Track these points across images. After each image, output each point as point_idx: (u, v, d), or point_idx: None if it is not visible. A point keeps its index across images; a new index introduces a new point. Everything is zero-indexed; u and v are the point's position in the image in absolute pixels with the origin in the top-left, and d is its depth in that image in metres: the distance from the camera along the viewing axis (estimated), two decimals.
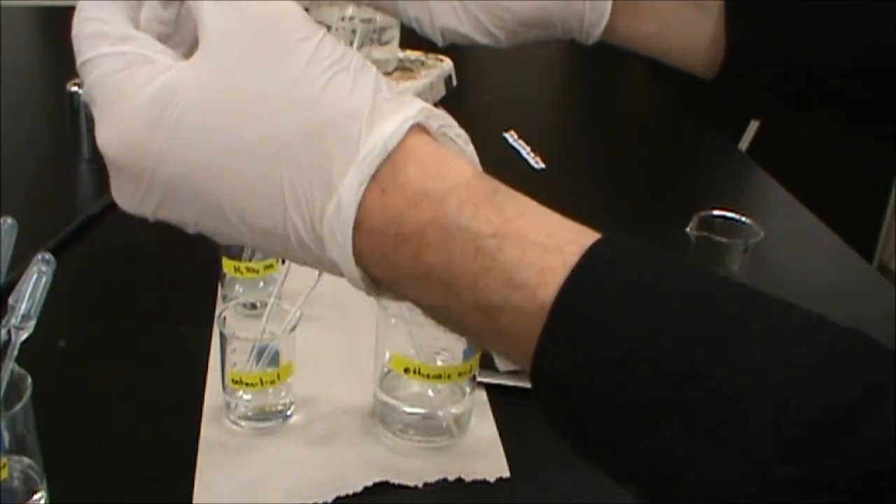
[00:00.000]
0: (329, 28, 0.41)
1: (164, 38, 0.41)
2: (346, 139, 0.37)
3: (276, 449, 0.68)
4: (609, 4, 0.66)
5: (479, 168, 0.40)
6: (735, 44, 0.67)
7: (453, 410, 0.71)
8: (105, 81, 0.39)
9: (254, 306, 0.77)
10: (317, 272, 0.70)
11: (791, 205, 1.12)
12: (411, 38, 1.04)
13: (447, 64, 1.34)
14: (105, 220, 0.97)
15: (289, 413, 0.71)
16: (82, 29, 0.40)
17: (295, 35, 0.38)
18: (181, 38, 0.42)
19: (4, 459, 0.56)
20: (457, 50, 1.20)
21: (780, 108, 0.76)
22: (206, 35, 0.39)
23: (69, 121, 1.09)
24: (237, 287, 0.83)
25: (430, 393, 0.71)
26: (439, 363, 0.69)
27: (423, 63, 1.33)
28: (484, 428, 0.72)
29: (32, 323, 0.58)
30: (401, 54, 1.31)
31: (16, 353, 0.57)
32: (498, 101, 1.39)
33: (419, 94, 1.14)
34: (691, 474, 0.35)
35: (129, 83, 0.39)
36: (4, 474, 0.56)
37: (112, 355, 0.78)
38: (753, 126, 2.13)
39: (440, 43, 0.71)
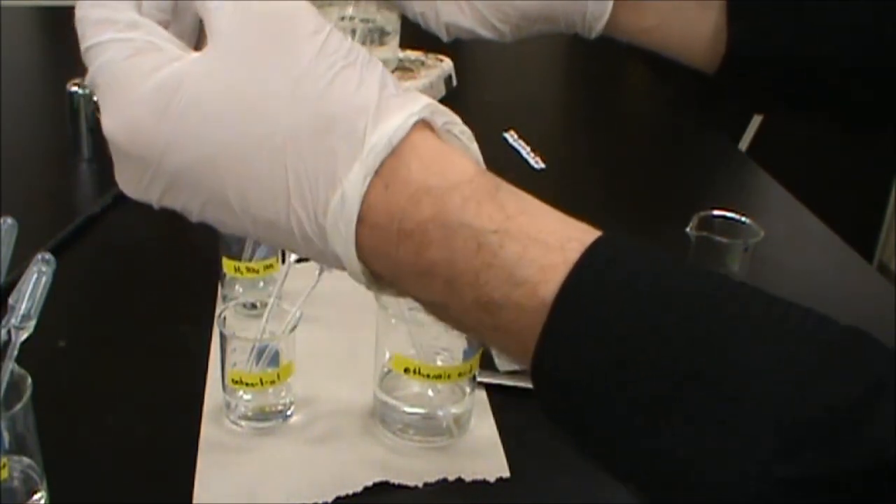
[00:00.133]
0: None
1: (163, 26, 0.41)
2: (352, 134, 0.37)
3: (276, 449, 0.68)
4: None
5: (483, 165, 0.40)
6: (735, 43, 0.67)
7: (453, 410, 0.71)
8: (111, 68, 0.39)
9: (254, 306, 0.77)
10: (317, 272, 0.70)
11: (791, 205, 1.12)
12: (411, 38, 1.05)
13: (447, 64, 1.34)
14: (105, 220, 0.97)
15: (289, 413, 0.71)
16: (88, 14, 0.40)
17: (302, 30, 0.38)
18: (180, 27, 0.42)
19: (4, 459, 0.56)
20: (457, 50, 1.20)
21: (781, 106, 0.76)
22: (214, 28, 0.39)
23: (69, 121, 1.09)
24: (237, 287, 0.83)
25: (430, 393, 0.71)
26: (439, 363, 0.69)
27: (423, 63, 1.33)
28: (484, 428, 0.72)
29: (32, 323, 0.57)
30: (401, 54, 1.31)
31: (16, 353, 0.57)
32: (498, 101, 1.39)
33: None
34: (691, 473, 0.35)
35: (136, 70, 0.39)
36: (4, 474, 0.56)
37: (112, 355, 0.78)
38: (753, 126, 2.13)
39: (445, 38, 0.71)
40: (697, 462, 0.34)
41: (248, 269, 0.81)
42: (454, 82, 1.35)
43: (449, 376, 0.69)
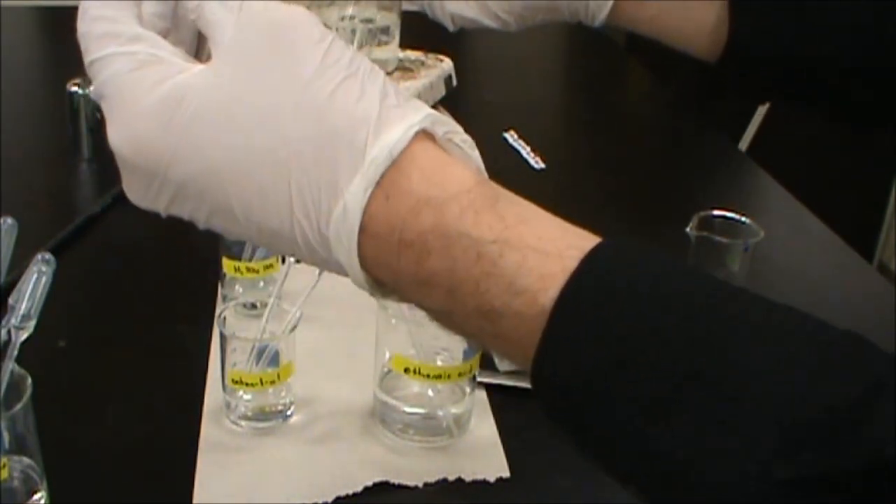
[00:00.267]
0: (328, 28, 0.41)
1: (163, 34, 0.41)
2: (353, 146, 0.38)
3: (276, 449, 0.68)
4: None
5: (484, 174, 0.40)
6: (737, 33, 0.68)
7: (453, 410, 0.71)
8: (116, 81, 0.40)
9: (254, 306, 0.77)
10: (317, 272, 0.70)
11: (791, 205, 1.12)
12: (411, 38, 1.05)
13: (447, 64, 1.34)
14: (105, 220, 0.97)
15: (289, 413, 0.71)
16: (91, 28, 0.40)
17: (304, 41, 0.39)
18: (179, 35, 0.42)
19: (4, 459, 0.56)
20: (457, 50, 1.20)
21: (781, 96, 0.77)
22: (216, 41, 0.39)
23: (69, 121, 1.09)
24: (237, 287, 0.83)
25: (430, 393, 0.71)
26: (439, 363, 0.69)
27: (423, 63, 1.33)
28: (484, 428, 0.72)
29: (32, 323, 0.57)
30: (401, 54, 1.31)
31: (16, 353, 0.57)
32: (498, 101, 1.39)
33: (419, 95, 1.14)
34: (691, 474, 0.35)
35: (140, 84, 0.39)
36: (4, 474, 0.56)
37: (112, 355, 0.78)
38: (753, 126, 2.13)
39: (451, 28, 0.72)
40: (697, 462, 0.34)
41: (248, 269, 0.81)
42: (454, 82, 1.34)
43: (449, 376, 0.69)
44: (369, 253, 0.39)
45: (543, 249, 0.37)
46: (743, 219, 0.87)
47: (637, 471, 0.38)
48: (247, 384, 0.69)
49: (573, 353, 0.36)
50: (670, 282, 0.37)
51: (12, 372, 0.57)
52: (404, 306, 0.68)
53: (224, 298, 0.83)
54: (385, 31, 1.22)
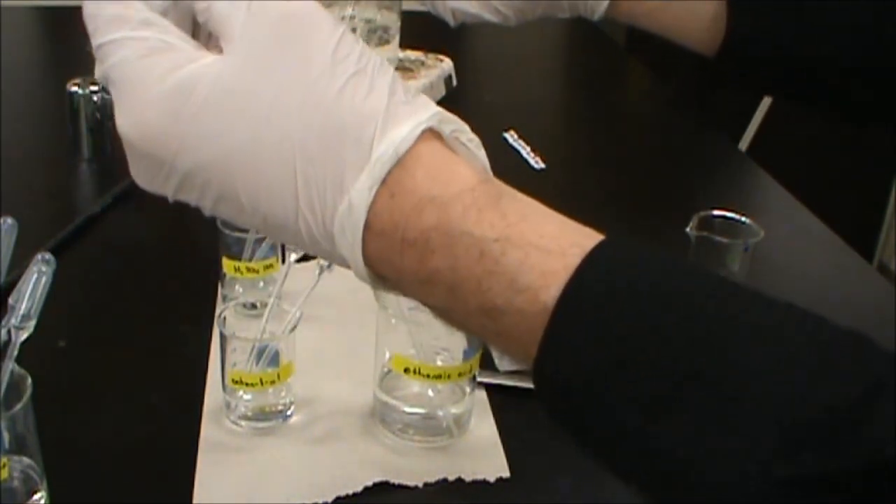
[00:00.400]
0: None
1: (162, 15, 0.41)
2: (360, 142, 0.38)
3: (276, 449, 0.68)
4: None
5: (489, 173, 0.41)
6: (735, 26, 0.68)
7: (453, 410, 0.71)
8: (125, 67, 0.39)
9: (254, 306, 0.77)
10: (317, 272, 0.71)
11: (791, 205, 1.12)
12: (411, 38, 1.05)
13: (447, 64, 1.34)
14: (105, 220, 0.97)
15: (289, 413, 0.71)
16: (100, 10, 0.40)
17: (316, 35, 0.39)
18: (176, 15, 0.42)
19: (4, 459, 0.56)
20: (457, 50, 1.20)
21: (780, 88, 0.77)
22: (227, 34, 0.39)
23: (69, 121, 1.09)
24: (237, 287, 0.83)
25: (430, 393, 0.71)
26: (439, 363, 0.69)
27: (423, 63, 1.33)
28: (484, 428, 0.72)
29: (32, 323, 0.57)
30: (401, 54, 1.31)
31: (16, 353, 0.57)
32: (498, 101, 1.39)
33: None
34: (691, 474, 0.35)
35: (151, 71, 0.39)
36: (4, 474, 0.56)
37: (112, 355, 0.78)
38: (753, 126, 2.13)
39: (452, 23, 0.72)
40: (697, 462, 0.34)
41: (248, 269, 0.81)
42: (454, 82, 1.35)
43: (449, 376, 0.69)
44: (373, 250, 0.39)
45: (545, 247, 0.37)
46: (743, 219, 0.87)
47: (637, 469, 0.38)
48: (247, 384, 0.69)
49: (575, 350, 0.37)
50: (671, 280, 0.37)
51: (12, 372, 0.57)
52: (404, 306, 0.68)
53: (224, 298, 0.83)
54: (385, 30, 1.22)
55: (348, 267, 0.40)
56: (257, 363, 0.68)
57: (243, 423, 0.70)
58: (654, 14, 0.71)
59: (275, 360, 0.69)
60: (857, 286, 0.97)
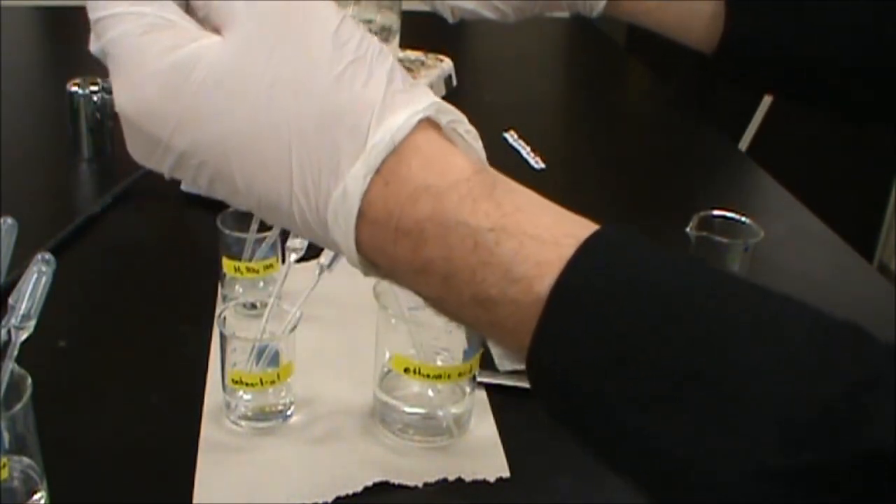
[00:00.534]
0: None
1: None
2: (357, 130, 0.38)
3: (276, 449, 0.68)
4: None
5: (485, 164, 0.40)
6: (733, 23, 0.68)
7: (453, 410, 0.71)
8: (125, 41, 0.39)
9: (254, 306, 0.77)
10: (317, 272, 0.71)
11: (791, 205, 1.12)
12: (411, 37, 1.05)
13: (447, 64, 1.34)
14: (105, 220, 0.97)
15: (289, 413, 0.71)
16: None
17: (316, 19, 0.39)
18: None
19: (4, 459, 0.56)
20: (457, 50, 1.20)
21: (779, 87, 0.77)
22: (227, 17, 0.39)
23: (69, 121, 1.09)
24: (237, 287, 0.83)
25: (430, 393, 0.71)
26: (439, 363, 0.69)
27: (423, 63, 1.33)
28: (484, 428, 0.72)
29: (32, 323, 0.57)
30: (401, 54, 1.31)
31: (16, 353, 0.57)
32: (498, 101, 1.39)
33: None
34: (691, 473, 0.35)
35: (152, 47, 0.39)
36: (4, 474, 0.56)
37: (112, 355, 0.78)
38: (753, 126, 2.13)
39: (450, 19, 0.72)
40: (697, 461, 0.34)
41: (248, 269, 0.81)
42: (454, 82, 1.35)
43: (449, 376, 0.69)
44: (366, 238, 0.39)
45: (540, 237, 0.37)
46: (743, 219, 0.87)
47: (636, 468, 0.38)
48: (247, 384, 0.69)
49: (568, 341, 0.36)
50: (666, 274, 0.37)
51: (12, 372, 0.57)
52: (404, 306, 0.68)
53: (224, 298, 0.83)
54: (385, 30, 1.22)
55: (342, 252, 0.40)
56: (257, 363, 0.68)
57: (243, 423, 0.70)
58: (653, 12, 0.71)
59: (275, 360, 0.69)
60: (857, 286, 0.97)
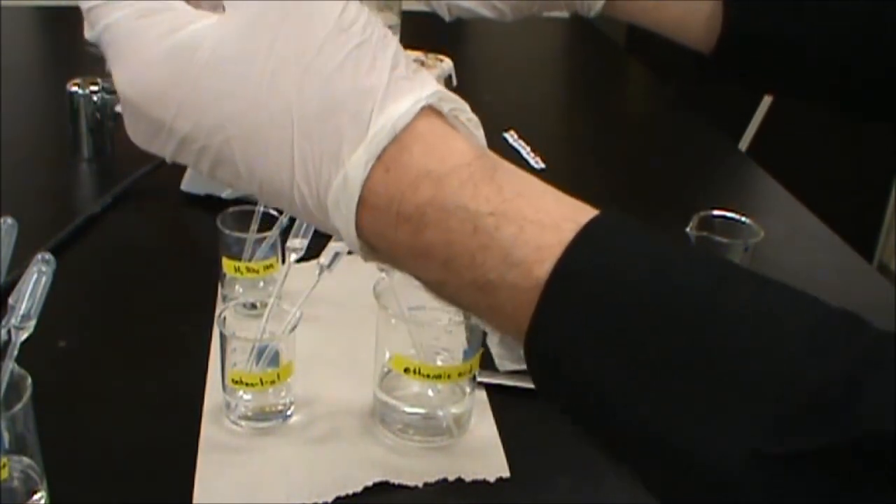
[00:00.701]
0: None
1: None
2: (359, 117, 0.38)
3: (276, 449, 0.68)
4: None
5: (486, 150, 0.40)
6: (731, 22, 0.68)
7: (453, 410, 0.71)
8: (123, 26, 0.39)
9: (254, 306, 0.77)
10: (317, 272, 0.71)
11: (791, 205, 1.12)
12: (411, 38, 1.05)
13: (447, 64, 1.34)
14: (105, 220, 0.97)
15: (289, 413, 0.71)
16: None
17: (320, 3, 0.38)
18: None
19: (4, 459, 0.56)
20: (457, 50, 1.20)
21: (779, 86, 0.77)
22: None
23: (69, 121, 1.09)
24: (237, 287, 0.83)
25: (430, 393, 0.71)
26: (439, 363, 0.69)
27: (423, 63, 1.33)
28: (484, 428, 0.72)
29: (32, 323, 0.57)
30: None
31: (16, 353, 0.57)
32: (498, 101, 1.39)
33: None
34: (686, 457, 0.34)
35: (150, 31, 0.39)
36: (4, 474, 0.56)
37: (112, 355, 0.78)
38: (753, 126, 2.13)
39: (447, 18, 0.72)
40: (692, 445, 0.34)
41: (248, 269, 0.81)
42: (454, 82, 1.34)
43: (449, 376, 0.69)
44: (367, 223, 0.39)
45: (541, 222, 0.37)
46: (743, 219, 0.87)
47: (629, 451, 0.37)
48: (247, 384, 0.69)
49: (567, 325, 0.36)
50: (664, 260, 0.37)
51: (12, 372, 0.57)
52: (404, 306, 0.68)
53: (224, 298, 0.83)
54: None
55: (342, 237, 0.40)
56: (257, 363, 0.68)
57: (243, 423, 0.70)
58: (651, 11, 0.71)
59: (275, 360, 0.69)
60: (857, 286, 0.97)
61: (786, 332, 0.35)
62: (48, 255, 0.59)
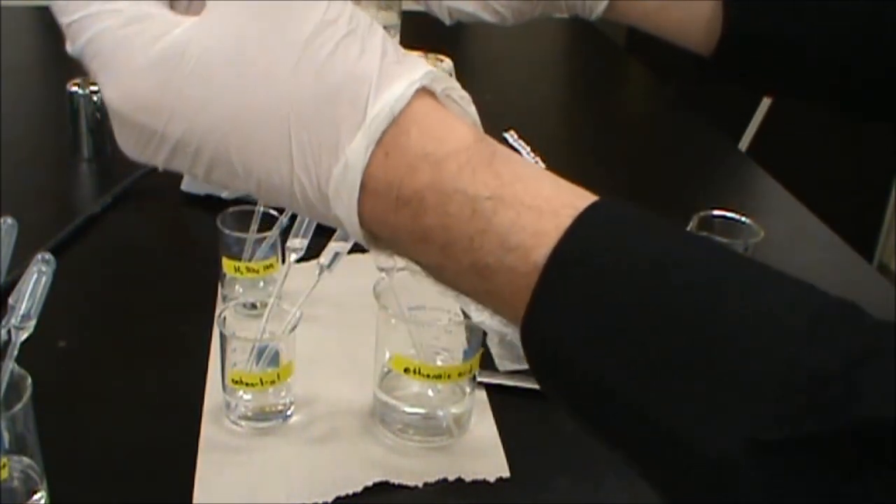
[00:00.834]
0: None
1: None
2: (355, 104, 0.38)
3: (276, 449, 0.68)
4: None
5: (481, 129, 0.41)
6: (732, 25, 0.68)
7: (453, 410, 0.71)
8: (106, 38, 0.39)
9: (254, 306, 0.77)
10: (317, 272, 0.71)
11: (791, 205, 1.12)
12: (411, 37, 1.05)
13: (447, 64, 1.34)
14: (105, 220, 0.97)
15: (289, 413, 0.71)
16: None
17: (307, 2, 0.38)
18: None
19: (4, 459, 0.56)
20: (457, 50, 1.20)
21: (779, 87, 0.77)
22: None
23: (69, 121, 1.09)
24: (237, 287, 0.83)
25: (430, 393, 0.71)
26: (439, 363, 0.69)
27: None
28: (484, 428, 0.72)
29: (32, 323, 0.57)
30: None
31: (16, 353, 0.57)
32: (498, 101, 1.39)
33: None
34: (684, 445, 0.34)
35: (135, 40, 0.39)
36: (4, 474, 0.56)
37: (112, 355, 0.78)
38: (753, 126, 2.13)
39: (447, 22, 0.72)
40: (690, 433, 0.34)
41: (248, 269, 0.81)
42: None
43: (449, 376, 0.69)
44: (367, 209, 0.39)
45: (538, 207, 0.38)
46: (743, 219, 0.87)
47: (624, 439, 0.37)
48: (247, 384, 0.69)
49: (563, 310, 0.37)
50: (663, 246, 0.37)
51: (12, 372, 0.57)
52: (404, 306, 0.68)
53: (224, 298, 0.83)
54: (385, 31, 1.22)
55: (342, 227, 0.40)
56: (257, 363, 0.68)
57: (243, 423, 0.70)
58: (651, 15, 0.71)
59: (275, 360, 0.69)
60: (857, 286, 0.97)
61: (787, 319, 0.35)
62: (48, 255, 0.59)
